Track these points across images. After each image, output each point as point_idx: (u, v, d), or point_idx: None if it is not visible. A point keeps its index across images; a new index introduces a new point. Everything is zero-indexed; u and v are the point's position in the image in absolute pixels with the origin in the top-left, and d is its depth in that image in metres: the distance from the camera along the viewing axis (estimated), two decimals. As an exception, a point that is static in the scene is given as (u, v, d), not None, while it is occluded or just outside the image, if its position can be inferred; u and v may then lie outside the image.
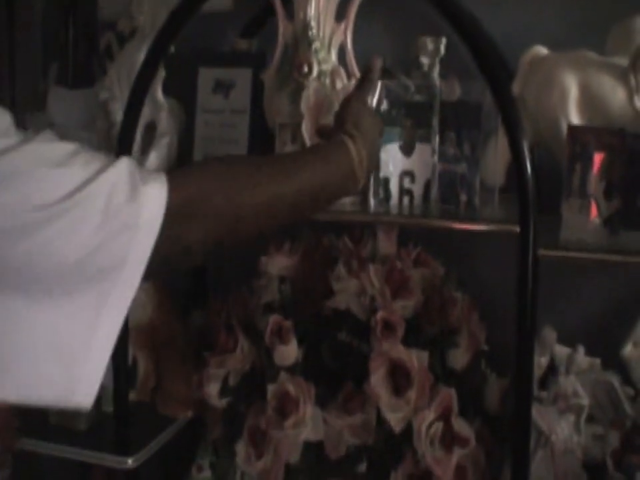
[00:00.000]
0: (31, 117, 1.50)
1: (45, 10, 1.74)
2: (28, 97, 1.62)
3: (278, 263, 1.38)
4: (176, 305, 1.56)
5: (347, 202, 1.23)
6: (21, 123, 1.53)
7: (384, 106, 1.22)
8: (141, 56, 1.43)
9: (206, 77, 1.42)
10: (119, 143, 1.27)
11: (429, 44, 1.28)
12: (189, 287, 1.60)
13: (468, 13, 1.22)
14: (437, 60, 1.28)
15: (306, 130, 1.24)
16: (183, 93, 1.44)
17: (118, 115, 1.35)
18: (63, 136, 1.42)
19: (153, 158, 1.39)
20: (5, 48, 1.69)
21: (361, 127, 1.04)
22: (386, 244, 1.32)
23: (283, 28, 1.31)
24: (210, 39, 1.51)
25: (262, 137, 1.35)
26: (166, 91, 1.42)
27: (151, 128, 1.41)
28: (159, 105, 1.40)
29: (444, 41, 1.28)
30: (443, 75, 1.27)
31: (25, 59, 1.73)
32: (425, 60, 1.28)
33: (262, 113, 1.35)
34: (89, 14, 1.67)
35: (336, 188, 1.00)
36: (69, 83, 1.59)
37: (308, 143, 1.23)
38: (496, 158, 1.22)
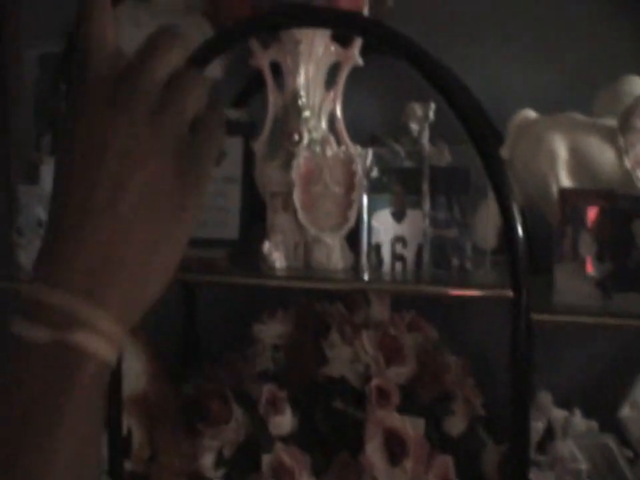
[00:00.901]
0: (23, 189, 1.50)
1: (36, 81, 1.76)
2: (20, 168, 1.63)
3: (271, 331, 1.37)
4: (169, 374, 1.55)
5: (339, 268, 1.24)
6: (14, 195, 1.54)
7: (374, 173, 1.23)
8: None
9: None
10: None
11: (418, 110, 1.30)
12: (181, 356, 1.59)
13: (455, 79, 1.24)
14: (426, 125, 1.29)
15: (297, 198, 1.24)
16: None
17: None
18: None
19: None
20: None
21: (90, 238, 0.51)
22: (379, 310, 1.32)
23: (273, 97, 1.33)
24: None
25: (254, 206, 1.36)
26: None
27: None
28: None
29: (433, 106, 1.29)
30: (432, 141, 1.28)
31: (17, 130, 1.75)
32: (414, 126, 1.30)
33: (253, 182, 1.36)
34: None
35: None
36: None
37: (299, 211, 1.24)
38: (487, 221, 1.22)
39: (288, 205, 1.27)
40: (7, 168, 1.66)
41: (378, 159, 1.25)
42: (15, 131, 1.70)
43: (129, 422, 1.47)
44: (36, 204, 1.44)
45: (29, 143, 1.69)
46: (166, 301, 1.52)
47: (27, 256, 1.43)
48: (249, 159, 1.38)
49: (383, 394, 1.20)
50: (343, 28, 1.24)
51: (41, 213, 1.42)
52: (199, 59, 1.23)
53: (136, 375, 1.49)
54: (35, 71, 1.75)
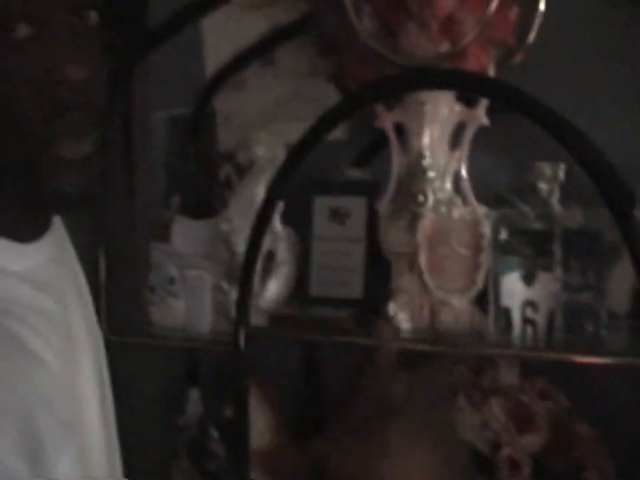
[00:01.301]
0: (155, 248, 1.55)
1: (165, 141, 1.83)
2: (151, 227, 1.68)
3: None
4: (293, 431, 1.55)
5: (466, 332, 1.22)
6: (145, 253, 1.59)
7: (502, 235, 1.21)
8: (260, 189, 1.47)
9: (321, 205, 1.45)
10: (241, 274, 1.30)
11: (547, 169, 1.27)
12: (306, 413, 1.58)
13: (586, 138, 1.20)
14: (556, 186, 1.27)
15: (423, 260, 1.23)
16: (299, 221, 1.46)
17: (239, 246, 1.38)
18: (187, 265, 1.47)
19: (272, 287, 1.41)
20: (124, 178, 1.77)
21: None
22: (508, 375, 1.28)
23: (397, 158, 1.33)
24: (324, 167, 1.54)
25: (378, 266, 1.36)
26: (283, 219, 1.46)
27: (269, 257, 1.43)
28: (277, 234, 1.43)
29: (562, 166, 1.27)
30: (562, 202, 1.25)
31: (146, 189, 1.81)
32: (543, 186, 1.27)
33: (377, 242, 1.35)
34: (209, 146, 1.74)
35: None
36: (191, 213, 1.64)
37: (425, 273, 1.23)
38: (621, 284, 1.18)
39: (413, 266, 1.26)
40: (133, 227, 1.71)
41: (505, 220, 1.23)
42: (145, 191, 1.76)
43: (255, 477, 1.48)
44: (167, 262, 1.49)
45: (159, 202, 1.75)
46: (291, 358, 1.54)
47: (159, 313, 1.47)
48: (372, 218, 1.38)
49: (514, 464, 1.17)
50: (468, 90, 1.23)
51: (173, 270, 1.46)
52: (326, 124, 1.24)
53: (261, 430, 1.50)
54: (165, 132, 1.81)
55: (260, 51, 1.67)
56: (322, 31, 1.40)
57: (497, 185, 1.33)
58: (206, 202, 1.70)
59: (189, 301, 1.44)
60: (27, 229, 0.77)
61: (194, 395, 1.60)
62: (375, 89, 1.24)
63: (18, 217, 0.76)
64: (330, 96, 1.58)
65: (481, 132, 1.31)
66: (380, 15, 1.29)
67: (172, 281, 1.45)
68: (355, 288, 1.39)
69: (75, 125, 0.72)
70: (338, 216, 1.42)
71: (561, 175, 1.27)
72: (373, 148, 1.51)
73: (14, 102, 0.69)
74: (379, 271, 1.37)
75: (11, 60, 0.68)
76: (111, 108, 1.03)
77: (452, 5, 1.25)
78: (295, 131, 1.61)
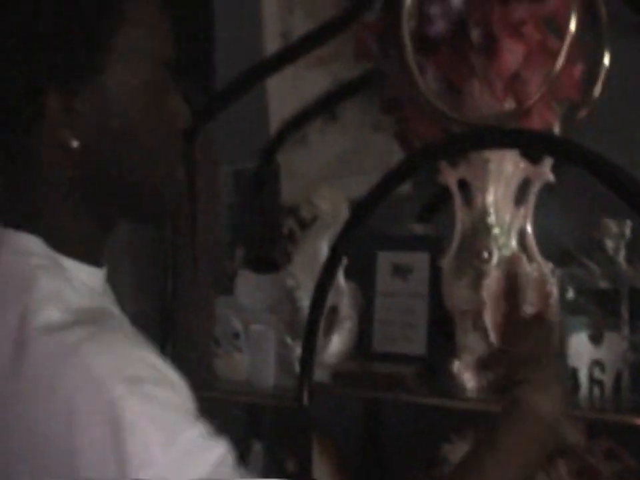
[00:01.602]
0: (220, 301, 1.57)
1: (230, 194, 1.86)
2: (215, 279, 1.70)
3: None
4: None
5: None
6: (209, 305, 1.61)
7: (569, 294, 1.20)
8: (324, 243, 1.49)
9: (384, 260, 1.45)
10: (305, 330, 1.30)
11: (613, 227, 1.26)
12: (365, 470, 1.58)
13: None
14: (623, 243, 1.25)
15: (488, 318, 1.22)
16: (362, 276, 1.47)
17: (303, 301, 1.40)
18: (251, 319, 1.48)
19: (335, 342, 1.42)
20: (189, 230, 1.80)
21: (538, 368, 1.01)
22: (574, 435, 1.25)
23: (461, 214, 1.33)
24: (387, 221, 1.54)
25: (441, 323, 1.35)
26: (346, 274, 1.46)
27: (333, 312, 1.44)
28: (341, 289, 1.43)
29: (629, 223, 1.25)
30: (629, 260, 1.24)
31: (209, 241, 1.84)
32: (609, 243, 1.25)
33: (441, 298, 1.35)
34: (273, 199, 1.76)
35: (539, 455, 0.99)
36: (254, 266, 1.66)
37: (490, 331, 1.22)
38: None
39: (478, 324, 1.25)
40: (198, 279, 1.74)
41: (572, 279, 1.21)
42: (209, 244, 1.79)
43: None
44: (232, 315, 1.50)
45: (224, 255, 1.78)
46: (353, 414, 1.53)
47: (224, 366, 1.48)
48: (435, 274, 1.38)
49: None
50: (532, 149, 1.23)
51: (237, 324, 1.48)
52: (391, 181, 1.26)
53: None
54: (230, 185, 1.85)
55: (323, 106, 1.70)
56: (385, 88, 1.41)
57: (562, 242, 1.32)
58: (269, 255, 1.72)
59: (253, 355, 1.45)
60: (100, 257, 0.85)
61: (257, 447, 1.61)
62: (440, 148, 1.25)
63: (98, 245, 0.85)
64: (393, 151, 1.60)
65: (546, 188, 1.30)
66: (444, 73, 1.30)
67: (236, 335, 1.46)
68: (417, 344, 1.39)
69: (181, 151, 0.85)
70: (401, 271, 1.43)
71: (627, 231, 1.25)
72: (436, 202, 1.51)
73: (153, 135, 0.81)
74: (442, 328, 1.36)
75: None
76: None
77: (516, 63, 1.26)
78: (358, 186, 1.63)
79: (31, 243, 0.79)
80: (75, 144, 0.77)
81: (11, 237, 0.80)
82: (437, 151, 1.26)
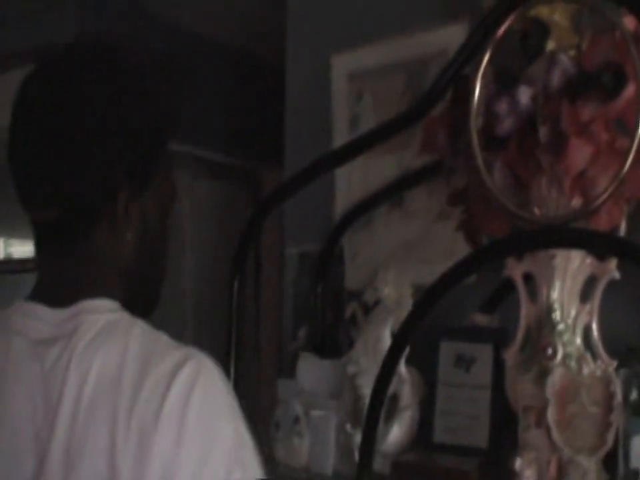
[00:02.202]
0: (282, 383, 1.59)
1: (296, 277, 1.89)
2: (278, 361, 1.72)
3: None
4: None
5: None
6: (270, 389, 1.62)
7: (633, 394, 1.19)
8: (387, 330, 1.50)
9: (447, 350, 1.46)
10: (366, 416, 1.31)
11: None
12: None
13: None
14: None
15: (551, 416, 1.22)
16: (424, 364, 1.48)
17: (365, 389, 1.40)
18: (312, 404, 1.49)
19: (396, 431, 1.42)
20: (253, 311, 1.83)
21: None
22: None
23: (526, 308, 1.33)
24: (450, 311, 1.55)
25: (504, 416, 1.35)
26: (408, 361, 1.47)
27: (393, 399, 1.44)
28: (402, 377, 1.44)
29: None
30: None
31: (274, 321, 1.87)
32: (676, 342, 1.24)
33: (504, 391, 1.35)
34: (336, 282, 1.79)
35: None
36: (317, 348, 1.68)
37: (554, 429, 1.21)
38: None
39: (541, 421, 1.25)
40: (260, 360, 1.76)
41: (636, 378, 1.20)
42: (273, 324, 1.82)
43: None
44: (293, 399, 1.51)
45: (287, 336, 1.80)
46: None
47: (283, 450, 1.49)
48: (499, 366, 1.38)
49: None
50: (597, 249, 1.24)
51: (298, 409, 1.49)
52: (456, 273, 1.27)
53: None
54: (295, 267, 1.88)
55: (389, 193, 1.73)
56: (452, 181, 1.43)
57: (628, 339, 1.31)
58: (331, 338, 1.73)
59: (313, 441, 1.46)
60: None
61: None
62: (506, 245, 1.27)
63: None
64: (457, 240, 1.61)
65: (612, 284, 1.30)
66: (511, 170, 1.32)
67: (297, 419, 1.47)
68: (479, 436, 1.38)
69: None
70: (463, 362, 1.43)
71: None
72: (500, 294, 1.51)
73: (166, 243, 1.00)
74: (505, 421, 1.35)
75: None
76: (247, 244, 1.23)
77: (584, 161, 1.27)
78: (421, 273, 1.65)
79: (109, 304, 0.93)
80: (129, 236, 0.93)
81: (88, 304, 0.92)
82: (504, 247, 1.27)
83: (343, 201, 1.82)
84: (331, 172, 1.81)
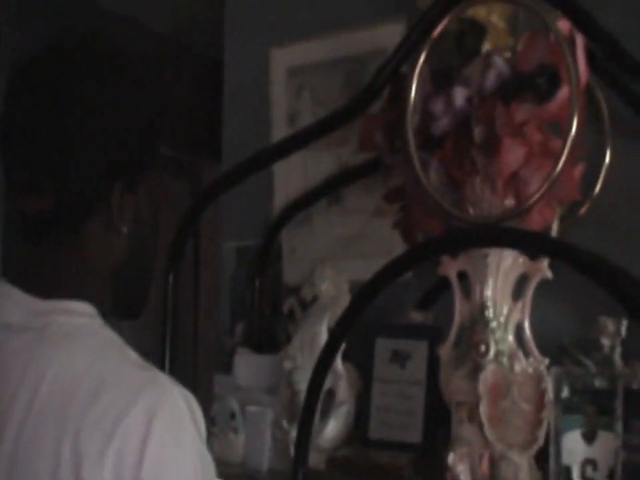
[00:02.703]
0: (218, 379, 1.58)
1: (234, 269, 1.88)
2: (214, 356, 1.72)
3: None
4: None
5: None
6: (206, 384, 1.61)
7: (564, 392, 1.21)
8: (323, 326, 1.51)
9: (383, 346, 1.47)
10: (302, 412, 1.31)
11: (610, 325, 1.28)
12: None
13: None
14: (618, 342, 1.27)
15: (483, 412, 1.24)
16: (360, 360, 1.49)
17: (301, 384, 1.41)
18: (248, 399, 1.49)
19: (332, 426, 1.43)
20: (190, 306, 1.81)
21: None
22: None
23: (460, 305, 1.35)
24: (386, 308, 1.57)
25: (438, 412, 1.36)
26: (344, 357, 1.48)
27: (329, 395, 1.45)
28: (339, 373, 1.45)
29: (625, 322, 1.27)
30: (625, 358, 1.25)
31: (211, 317, 1.86)
32: (605, 341, 1.28)
33: (438, 387, 1.36)
34: (274, 277, 1.78)
35: None
36: (254, 344, 1.68)
37: (486, 424, 1.23)
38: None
39: (474, 417, 1.27)
40: (197, 355, 1.75)
41: (568, 377, 1.23)
42: (209, 319, 1.81)
43: None
44: (229, 395, 1.51)
45: (223, 331, 1.79)
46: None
47: (219, 446, 1.48)
48: (433, 362, 1.40)
49: None
50: (530, 249, 1.26)
51: (234, 404, 1.49)
52: (392, 271, 1.28)
53: None
54: (233, 262, 1.87)
55: (328, 189, 1.73)
56: (388, 179, 1.44)
57: (559, 338, 1.34)
58: (268, 333, 1.73)
59: (249, 436, 1.46)
60: None
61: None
62: (441, 243, 1.28)
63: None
64: (394, 237, 1.62)
65: (544, 283, 1.33)
66: (446, 169, 1.33)
67: (233, 415, 1.47)
68: (414, 432, 1.40)
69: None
70: (399, 358, 1.45)
71: (623, 330, 1.27)
72: (435, 291, 1.53)
73: (156, 239, 1.00)
74: (438, 416, 1.37)
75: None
76: (183, 238, 1.22)
77: (517, 162, 1.29)
78: (359, 269, 1.66)
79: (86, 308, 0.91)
80: (125, 230, 0.93)
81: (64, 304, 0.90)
82: (439, 245, 1.29)
83: (281, 196, 1.82)
84: (269, 167, 1.81)
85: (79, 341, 0.86)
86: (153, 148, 0.96)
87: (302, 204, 1.76)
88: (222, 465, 1.47)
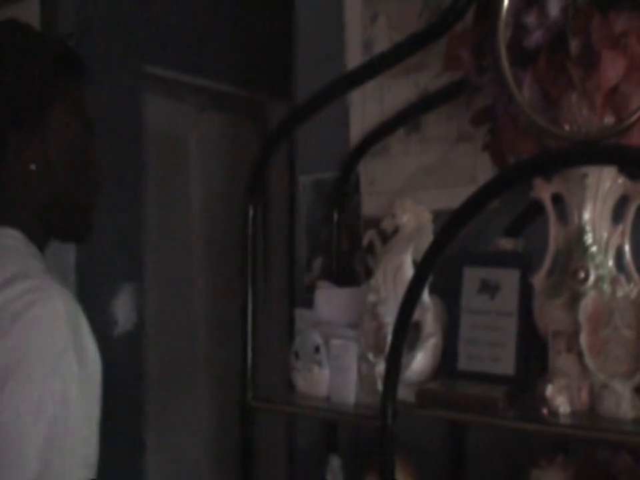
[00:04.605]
0: (298, 313, 1.55)
1: (309, 204, 1.84)
2: (293, 291, 1.68)
3: (550, 477, 1.29)
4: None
5: (628, 418, 1.15)
6: (282, 319, 1.58)
7: (671, 317, 1.14)
8: (407, 257, 1.45)
9: (471, 276, 1.41)
10: (390, 345, 1.27)
11: None
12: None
13: None
14: None
15: (584, 341, 1.18)
16: (447, 292, 1.43)
17: (387, 317, 1.36)
18: (331, 333, 1.45)
19: (419, 359, 1.38)
20: (264, 242, 1.77)
21: None
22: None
23: (555, 231, 1.28)
24: (474, 236, 1.50)
25: (531, 342, 1.31)
26: (430, 289, 1.42)
27: (416, 327, 1.40)
28: (426, 306, 1.40)
29: None
30: None
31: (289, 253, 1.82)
32: None
33: (531, 317, 1.30)
34: (353, 211, 1.73)
35: None
36: (333, 278, 1.64)
37: (586, 354, 1.17)
38: None
39: (572, 347, 1.21)
40: (272, 290, 1.72)
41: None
42: (287, 255, 1.77)
43: None
44: (312, 329, 1.47)
45: (302, 266, 1.75)
46: (436, 433, 1.49)
47: (303, 381, 1.45)
48: (525, 292, 1.33)
49: None
50: (632, 166, 1.18)
51: (317, 338, 1.45)
52: (483, 197, 1.22)
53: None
54: (309, 196, 1.82)
55: (406, 117, 1.66)
56: (476, 100, 1.37)
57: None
58: (347, 267, 1.69)
59: (334, 371, 1.42)
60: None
61: (334, 462, 1.58)
62: (536, 164, 1.21)
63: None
64: (477, 164, 1.56)
65: (644, 205, 1.25)
66: (541, 85, 1.25)
67: (317, 348, 1.43)
68: (505, 364, 1.34)
69: (96, 194, 1.24)
70: (488, 288, 1.38)
71: None
72: (526, 217, 1.46)
73: (76, 174, 1.20)
74: (532, 348, 1.32)
75: None
76: (260, 172, 1.28)
77: (616, 77, 1.21)
78: (441, 198, 1.60)
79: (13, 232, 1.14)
80: (32, 167, 1.14)
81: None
82: (533, 167, 1.21)
83: (357, 127, 1.76)
84: (344, 97, 1.75)
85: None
86: (45, 91, 1.15)
87: (379, 134, 1.69)
88: (307, 398, 1.46)
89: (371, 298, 1.42)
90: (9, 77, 1.14)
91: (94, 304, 2.48)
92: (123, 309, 2.62)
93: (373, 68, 1.54)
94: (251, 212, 1.51)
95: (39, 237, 1.16)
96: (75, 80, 1.21)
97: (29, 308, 0.99)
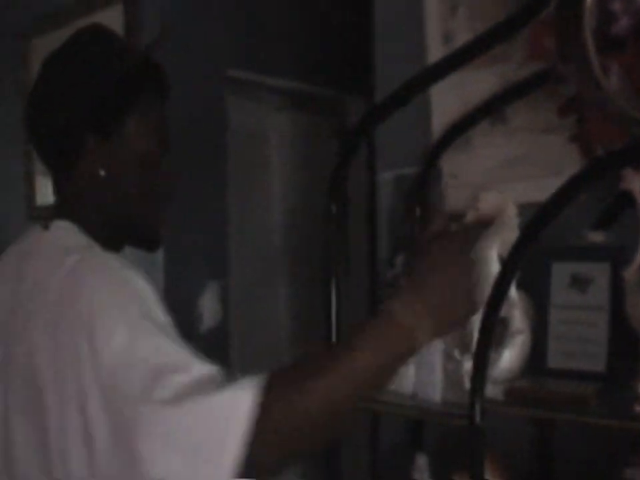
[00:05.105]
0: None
1: (391, 201, 1.83)
2: (374, 288, 1.67)
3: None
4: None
5: None
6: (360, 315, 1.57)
7: None
8: (493, 253, 1.42)
9: (560, 271, 1.38)
10: (477, 344, 1.25)
11: None
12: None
13: None
14: None
15: (681, 338, 1.13)
16: (535, 287, 1.40)
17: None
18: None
19: (506, 357, 1.35)
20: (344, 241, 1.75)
21: (426, 287, 1.14)
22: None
23: (647, 222, 1.24)
24: (563, 230, 1.46)
25: (625, 339, 1.27)
26: (518, 284, 1.39)
27: (503, 324, 1.38)
28: (513, 301, 1.37)
29: None
30: None
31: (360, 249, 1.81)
32: None
33: (623, 311, 1.26)
34: (434, 206, 1.71)
35: (393, 367, 1.16)
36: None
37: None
38: None
39: (668, 342, 1.16)
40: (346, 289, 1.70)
41: None
42: (369, 253, 1.76)
43: None
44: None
45: (384, 263, 1.74)
46: (525, 432, 1.46)
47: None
48: (617, 286, 1.29)
49: None
50: None
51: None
52: (573, 190, 1.18)
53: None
54: (390, 192, 1.81)
55: (490, 109, 1.63)
56: (563, 89, 1.33)
57: None
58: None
59: (419, 367, 1.41)
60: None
61: (421, 460, 1.56)
62: (625, 154, 1.17)
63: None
64: (564, 155, 1.52)
65: None
66: (629, 73, 1.21)
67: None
68: (597, 361, 1.30)
69: (161, 208, 1.30)
70: (578, 283, 1.35)
71: None
72: (616, 209, 1.42)
73: (142, 186, 1.26)
74: (625, 343, 1.27)
75: None
76: (342, 169, 1.31)
77: None
78: (526, 191, 1.56)
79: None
80: (102, 172, 1.19)
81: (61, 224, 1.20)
82: (622, 158, 1.17)
83: (439, 121, 1.74)
84: (425, 91, 1.73)
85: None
86: (124, 101, 1.18)
87: (462, 127, 1.67)
88: (393, 395, 1.45)
89: (457, 294, 1.40)
90: (91, 82, 1.18)
91: (180, 301, 2.52)
92: (208, 306, 2.66)
93: (455, 61, 1.51)
94: (333, 209, 1.50)
95: (105, 240, 1.20)
96: (155, 94, 1.24)
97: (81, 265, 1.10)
